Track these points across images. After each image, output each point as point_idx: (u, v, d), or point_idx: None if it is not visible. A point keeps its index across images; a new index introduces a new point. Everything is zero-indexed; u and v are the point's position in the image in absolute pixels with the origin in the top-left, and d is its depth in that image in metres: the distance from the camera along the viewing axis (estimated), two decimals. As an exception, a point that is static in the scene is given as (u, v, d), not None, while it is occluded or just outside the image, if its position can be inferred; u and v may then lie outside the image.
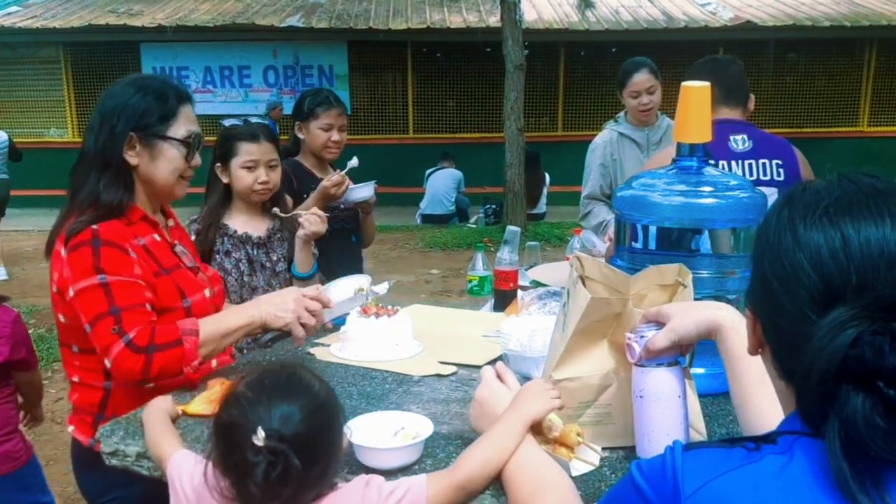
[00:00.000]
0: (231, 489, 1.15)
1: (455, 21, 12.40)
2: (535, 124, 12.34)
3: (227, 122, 2.62)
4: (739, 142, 2.64)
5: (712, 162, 2.53)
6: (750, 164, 2.60)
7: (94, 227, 1.71)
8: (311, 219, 2.45)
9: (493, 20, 11.62)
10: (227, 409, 1.16)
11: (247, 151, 2.50)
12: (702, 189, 1.64)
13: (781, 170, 2.61)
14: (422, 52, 12.81)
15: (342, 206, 3.04)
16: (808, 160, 2.77)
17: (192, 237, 2.47)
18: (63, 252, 1.72)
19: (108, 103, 1.81)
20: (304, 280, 2.49)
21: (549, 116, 13.02)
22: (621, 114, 3.88)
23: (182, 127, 1.84)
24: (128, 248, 1.74)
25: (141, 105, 1.79)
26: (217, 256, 2.52)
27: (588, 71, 12.98)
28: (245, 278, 2.53)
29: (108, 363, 1.67)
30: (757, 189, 1.71)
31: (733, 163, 2.60)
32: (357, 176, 3.20)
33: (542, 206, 10.97)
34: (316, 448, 1.14)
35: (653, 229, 1.68)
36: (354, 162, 3.01)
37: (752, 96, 2.81)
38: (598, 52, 12.67)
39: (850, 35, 12.18)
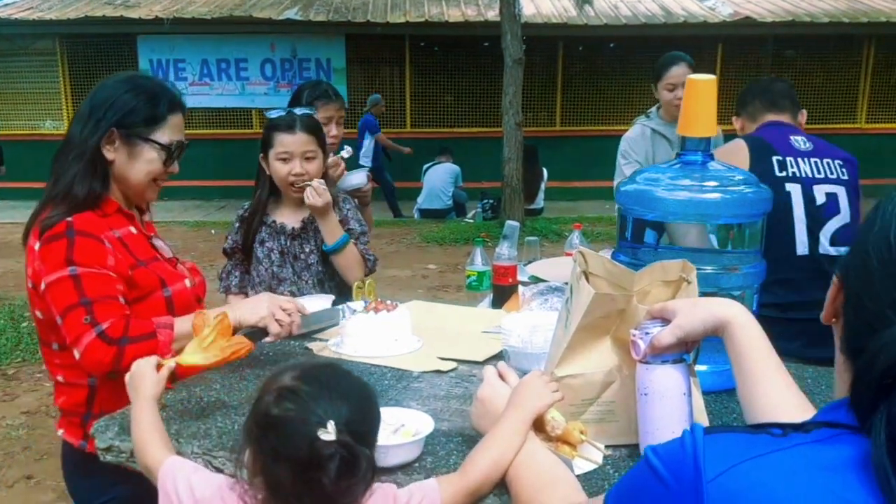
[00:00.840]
0: (267, 493, 1.09)
1: (453, 15, 12.37)
2: (533, 119, 12.32)
3: (271, 114, 2.58)
4: (801, 142, 2.70)
5: (779, 158, 2.62)
6: (816, 162, 2.65)
7: (69, 219, 1.70)
8: (307, 191, 2.43)
9: (492, 14, 11.58)
10: (278, 403, 1.10)
11: (281, 142, 2.48)
12: (706, 184, 1.62)
13: (844, 169, 2.67)
14: (420, 46, 12.77)
15: (338, 194, 3.04)
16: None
17: (237, 225, 2.59)
18: (36, 246, 1.70)
19: (100, 95, 1.80)
20: (333, 253, 2.49)
21: (546, 111, 12.99)
22: (653, 109, 3.80)
23: (167, 134, 1.82)
24: (103, 239, 1.72)
25: (130, 103, 1.78)
26: (255, 246, 2.54)
27: (586, 66, 12.95)
28: (275, 269, 2.54)
29: (76, 354, 1.65)
30: (762, 185, 1.69)
31: (800, 160, 2.65)
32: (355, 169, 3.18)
33: (539, 202, 10.95)
34: (369, 446, 1.12)
35: (656, 224, 1.66)
36: (348, 151, 3.00)
37: (804, 111, 2.90)
38: (597, 47, 12.65)
39: (849, 32, 12.17)
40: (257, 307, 1.80)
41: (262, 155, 2.55)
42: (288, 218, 2.57)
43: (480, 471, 1.19)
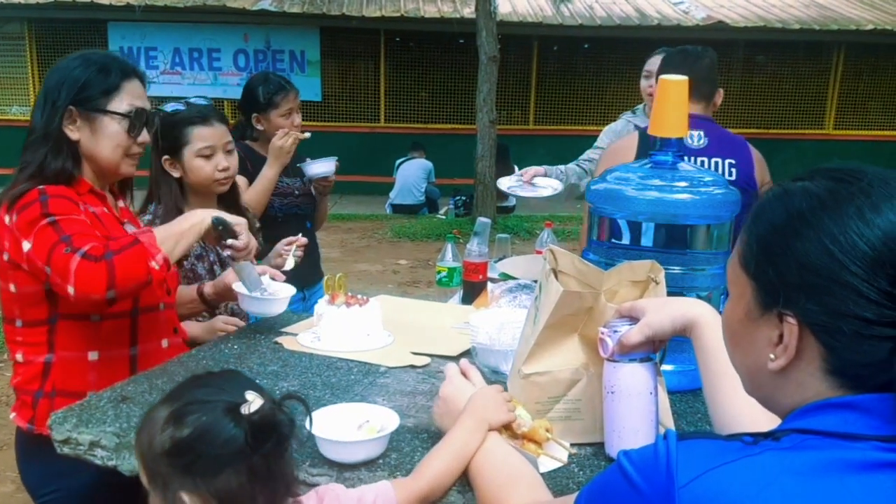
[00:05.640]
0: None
1: (429, 11, 12.32)
2: (507, 117, 12.31)
3: (167, 108, 2.28)
4: (695, 138, 2.62)
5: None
6: (702, 162, 2.58)
7: (41, 187, 1.67)
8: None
9: (468, 11, 11.56)
10: (180, 425, 1.04)
11: (201, 137, 2.25)
12: (676, 184, 1.63)
13: (734, 169, 2.60)
14: (395, 41, 12.72)
15: (304, 180, 3.01)
16: (774, 160, 2.76)
17: None
18: (7, 218, 1.67)
19: (53, 77, 1.76)
20: None
21: (520, 110, 13.01)
22: (640, 105, 3.77)
23: (125, 101, 1.78)
24: (78, 203, 1.70)
25: (82, 77, 1.74)
26: (185, 262, 2.26)
27: (561, 65, 12.99)
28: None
29: (71, 290, 1.57)
30: (731, 186, 1.70)
31: (686, 158, 2.59)
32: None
33: (511, 199, 10.96)
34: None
35: (626, 224, 1.67)
36: (306, 135, 2.98)
37: (721, 90, 2.79)
38: (571, 47, 12.70)
39: (819, 39, 12.34)
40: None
41: (166, 158, 2.27)
42: None
43: (433, 476, 1.18)
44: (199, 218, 1.76)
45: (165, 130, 2.21)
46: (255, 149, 3.03)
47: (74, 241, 1.59)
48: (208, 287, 2.11)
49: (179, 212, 2.23)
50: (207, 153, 2.26)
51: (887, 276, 0.74)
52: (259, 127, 3.01)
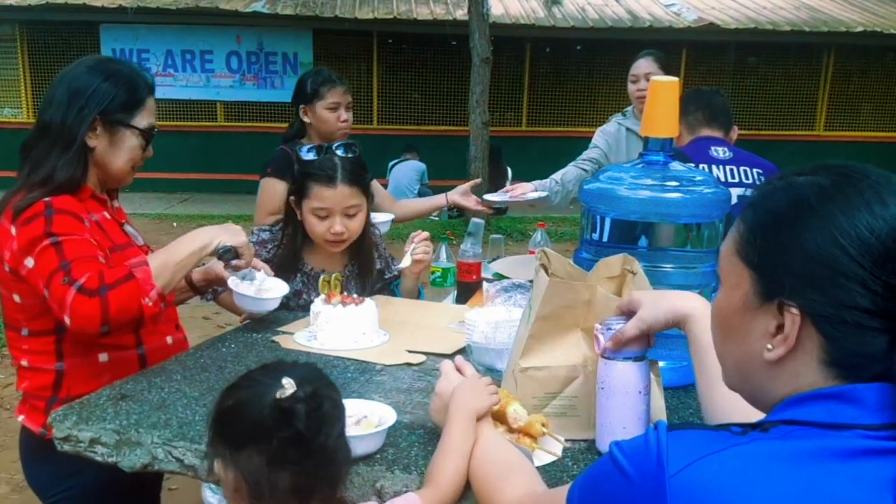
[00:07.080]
0: (251, 495, 1.10)
1: (422, 13, 12.34)
2: (500, 119, 12.35)
3: (304, 151, 2.18)
4: (720, 151, 2.85)
5: (691, 165, 2.65)
6: (731, 169, 2.79)
7: (47, 199, 1.69)
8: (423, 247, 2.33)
9: (460, 13, 11.59)
10: (230, 395, 1.14)
11: (318, 197, 2.13)
12: (667, 184, 1.65)
13: (763, 177, 2.74)
14: (388, 43, 12.73)
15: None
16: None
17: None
18: (13, 229, 1.68)
19: (77, 83, 1.78)
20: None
21: (513, 111, 13.04)
22: (629, 108, 3.81)
23: (145, 118, 1.85)
24: (82, 217, 1.72)
25: (111, 91, 1.79)
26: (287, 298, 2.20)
27: (553, 67, 13.03)
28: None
29: (67, 320, 1.60)
30: (720, 186, 1.73)
31: (714, 167, 2.75)
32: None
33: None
34: (332, 397, 1.18)
35: (618, 223, 1.69)
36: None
37: (735, 127, 3.04)
38: (564, 49, 12.73)
39: (810, 40, 12.40)
40: (235, 233, 1.89)
41: (292, 198, 2.22)
42: (329, 264, 2.30)
43: (451, 481, 1.20)
44: (200, 245, 1.80)
45: (297, 175, 2.20)
46: None
47: (73, 270, 1.61)
48: (197, 274, 2.11)
49: (296, 259, 2.27)
50: (322, 214, 2.16)
51: (894, 270, 0.76)
52: (306, 119, 3.03)
